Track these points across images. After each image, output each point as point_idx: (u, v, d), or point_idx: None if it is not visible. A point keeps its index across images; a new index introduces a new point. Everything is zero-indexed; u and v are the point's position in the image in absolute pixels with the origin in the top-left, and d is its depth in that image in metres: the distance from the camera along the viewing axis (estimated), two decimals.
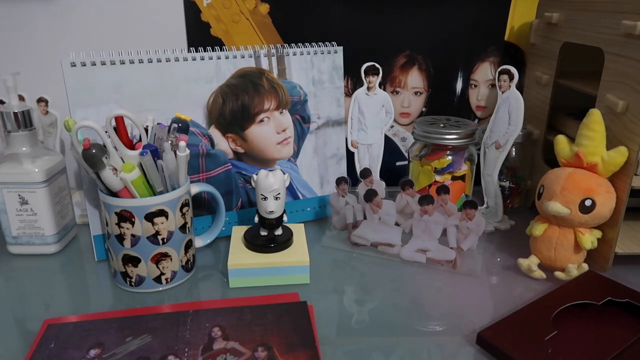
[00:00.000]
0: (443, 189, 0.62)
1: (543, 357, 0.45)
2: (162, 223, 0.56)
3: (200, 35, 0.78)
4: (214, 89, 0.66)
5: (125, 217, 0.54)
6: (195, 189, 0.61)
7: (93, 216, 0.62)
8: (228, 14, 0.77)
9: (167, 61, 0.63)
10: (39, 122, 0.75)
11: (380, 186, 0.70)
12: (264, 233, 0.62)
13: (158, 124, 0.58)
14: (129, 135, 0.57)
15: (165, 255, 0.57)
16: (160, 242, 0.56)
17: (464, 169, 0.71)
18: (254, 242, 0.61)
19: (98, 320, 0.51)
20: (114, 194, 0.55)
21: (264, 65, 0.68)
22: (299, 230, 0.65)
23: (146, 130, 0.57)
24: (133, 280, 0.57)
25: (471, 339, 0.49)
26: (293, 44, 0.69)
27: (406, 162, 0.77)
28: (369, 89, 0.73)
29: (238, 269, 0.58)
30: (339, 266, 0.64)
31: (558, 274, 0.59)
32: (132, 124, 0.58)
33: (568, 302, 0.52)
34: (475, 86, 0.84)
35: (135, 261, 0.56)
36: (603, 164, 0.57)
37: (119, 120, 0.55)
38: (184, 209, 0.58)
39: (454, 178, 0.71)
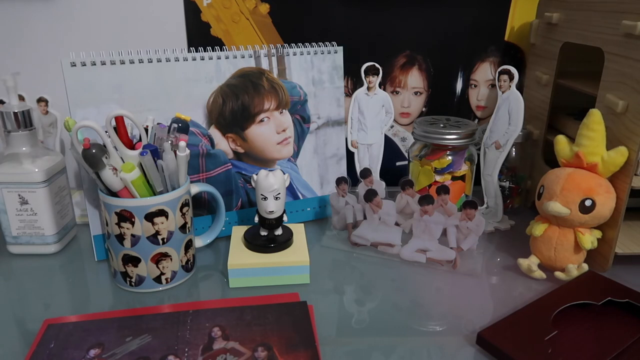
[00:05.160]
0: (443, 189, 0.62)
1: (543, 357, 0.45)
2: (162, 223, 0.56)
3: (200, 35, 0.78)
4: (214, 89, 0.66)
5: (125, 217, 0.54)
6: (195, 189, 0.61)
7: (93, 216, 0.63)
8: (228, 14, 0.77)
9: (167, 61, 0.63)
10: (39, 122, 0.75)
11: (380, 186, 0.70)
12: (264, 233, 0.62)
13: (158, 124, 0.58)
14: (129, 135, 0.57)
15: (165, 255, 0.57)
16: (160, 242, 0.56)
17: (464, 169, 0.71)
18: (254, 242, 0.61)
19: (98, 320, 0.51)
20: (114, 194, 0.55)
21: (264, 65, 0.68)
22: (299, 230, 0.65)
23: (146, 130, 0.57)
24: (133, 280, 0.57)
25: (471, 339, 0.49)
26: (293, 44, 0.70)
27: (406, 162, 0.77)
28: (369, 89, 0.73)
29: (238, 269, 0.58)
30: (339, 266, 0.64)
31: (558, 274, 0.59)
32: (132, 124, 0.58)
33: (568, 302, 0.52)
34: (475, 86, 0.84)
35: (135, 261, 0.56)
36: (603, 164, 0.57)
37: (119, 120, 0.55)
38: (184, 209, 0.58)
39: (454, 178, 0.71)
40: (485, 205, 0.75)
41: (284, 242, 0.61)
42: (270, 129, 0.70)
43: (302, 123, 0.72)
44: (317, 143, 0.74)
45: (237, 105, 0.67)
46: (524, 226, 0.65)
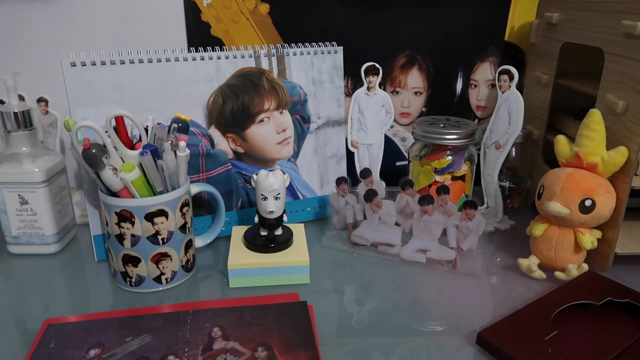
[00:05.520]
0: (443, 189, 0.62)
1: (543, 357, 0.45)
2: (162, 223, 0.56)
3: (200, 35, 0.78)
4: (214, 89, 0.66)
5: (125, 217, 0.54)
6: (195, 189, 0.61)
7: (93, 216, 0.63)
8: (228, 14, 0.77)
9: (167, 61, 0.63)
10: (39, 122, 0.75)
11: (380, 186, 0.70)
12: (264, 233, 0.62)
13: (158, 124, 0.58)
14: (129, 135, 0.57)
15: (165, 255, 0.57)
16: (160, 242, 0.56)
17: (464, 169, 0.71)
18: (254, 242, 0.61)
19: (98, 320, 0.51)
20: (114, 194, 0.55)
21: (264, 65, 0.68)
22: (299, 230, 0.65)
23: (146, 130, 0.57)
24: (133, 280, 0.57)
25: (471, 339, 0.49)
26: (293, 44, 0.70)
27: (406, 162, 0.77)
28: (369, 89, 0.73)
29: (238, 269, 0.58)
30: (339, 266, 0.64)
31: (558, 274, 0.59)
32: (132, 124, 0.58)
33: (568, 302, 0.52)
34: (475, 86, 0.84)
35: (135, 261, 0.56)
36: (603, 164, 0.57)
37: (119, 120, 0.55)
38: (184, 209, 0.58)
39: (454, 178, 0.71)
40: (485, 205, 0.75)
41: (284, 242, 0.61)
42: (270, 129, 0.70)
43: (302, 123, 0.72)
44: (317, 143, 0.74)
45: (237, 105, 0.67)
46: (524, 226, 0.65)
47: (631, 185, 0.56)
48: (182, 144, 0.55)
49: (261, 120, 0.69)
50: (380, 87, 0.73)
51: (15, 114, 0.62)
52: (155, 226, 0.55)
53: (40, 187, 0.63)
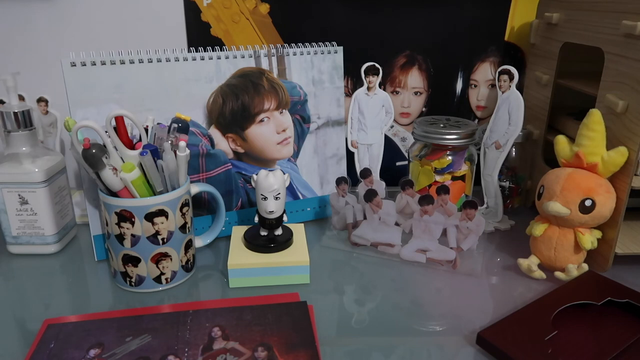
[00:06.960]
0: (443, 189, 0.62)
1: (543, 357, 0.45)
2: (162, 223, 0.56)
3: (200, 35, 0.78)
4: (214, 89, 0.66)
5: (125, 217, 0.54)
6: (195, 189, 0.61)
7: (93, 216, 0.62)
8: (228, 14, 0.77)
9: (167, 61, 0.63)
10: (39, 122, 0.75)
11: (380, 186, 0.70)
12: (264, 233, 0.62)
13: (158, 124, 0.58)
14: (129, 135, 0.57)
15: (165, 255, 0.57)
16: (160, 242, 0.56)
17: (464, 169, 0.71)
18: (254, 242, 0.61)
19: (98, 320, 0.51)
20: (114, 194, 0.55)
21: (264, 65, 0.68)
22: (299, 230, 0.65)
23: (146, 130, 0.57)
24: (133, 280, 0.57)
25: (471, 339, 0.49)
26: (293, 44, 0.70)
27: (406, 162, 0.77)
28: (369, 89, 0.73)
29: (238, 269, 0.58)
30: (339, 266, 0.64)
31: (558, 274, 0.59)
32: (132, 124, 0.58)
33: (568, 302, 0.52)
34: (475, 86, 0.84)
35: (135, 261, 0.56)
36: (603, 164, 0.57)
37: (119, 120, 0.55)
38: (184, 209, 0.58)
39: (454, 178, 0.71)
40: (485, 205, 0.75)
41: (284, 242, 0.61)
42: (270, 129, 0.70)
43: (302, 123, 0.72)
44: (317, 143, 0.74)
45: (237, 105, 0.67)
46: (524, 226, 0.65)
47: (631, 185, 0.56)
48: (182, 144, 0.55)
49: (261, 120, 0.69)
50: (380, 87, 0.73)
51: (15, 114, 0.62)
52: (155, 226, 0.55)
53: (40, 187, 0.63)
